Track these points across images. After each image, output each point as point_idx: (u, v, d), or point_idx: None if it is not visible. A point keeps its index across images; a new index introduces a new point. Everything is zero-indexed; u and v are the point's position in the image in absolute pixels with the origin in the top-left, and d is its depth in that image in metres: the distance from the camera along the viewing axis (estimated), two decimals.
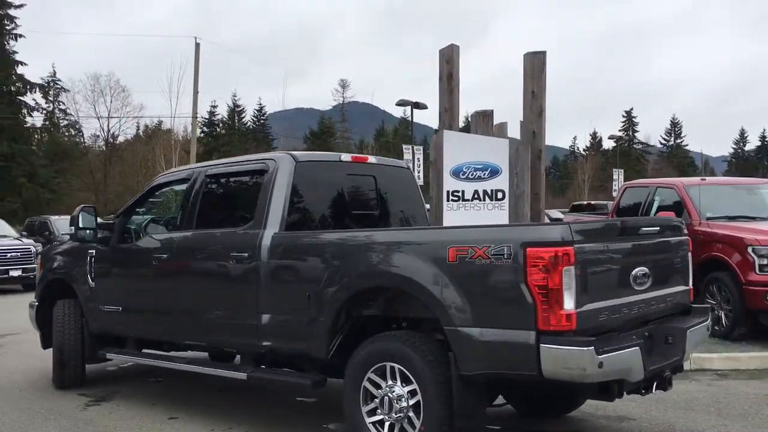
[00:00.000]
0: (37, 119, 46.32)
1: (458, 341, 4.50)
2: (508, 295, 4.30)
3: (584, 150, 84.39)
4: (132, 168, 47.97)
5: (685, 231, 5.55)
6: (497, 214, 9.63)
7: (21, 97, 41.38)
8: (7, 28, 41.89)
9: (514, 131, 9.73)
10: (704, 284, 9.10)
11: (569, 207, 25.93)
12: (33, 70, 78.98)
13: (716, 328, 8.89)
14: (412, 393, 4.71)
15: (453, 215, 9.88)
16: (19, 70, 41.26)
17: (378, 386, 4.85)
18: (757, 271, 8.40)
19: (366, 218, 6.28)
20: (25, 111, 41.41)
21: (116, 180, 49.12)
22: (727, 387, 7.08)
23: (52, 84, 56.23)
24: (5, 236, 18.48)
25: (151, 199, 6.87)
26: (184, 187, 6.41)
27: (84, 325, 6.96)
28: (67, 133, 55.75)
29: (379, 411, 4.84)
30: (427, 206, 14.76)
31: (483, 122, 10.13)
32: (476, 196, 9.78)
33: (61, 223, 21.74)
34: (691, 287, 5.54)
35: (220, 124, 62.33)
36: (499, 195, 9.61)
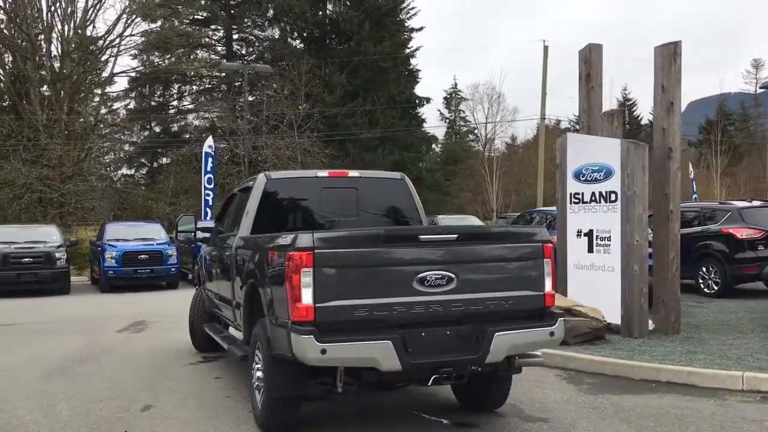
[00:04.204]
0: (433, 129, 51.99)
1: (269, 327, 5.58)
2: (282, 291, 5.23)
3: None
4: (515, 168, 50.97)
5: (539, 238, 5.55)
6: (611, 217, 9.62)
7: (413, 111, 47.17)
8: (408, 50, 47.96)
9: None
10: None
11: None
12: (437, 83, 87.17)
13: None
14: None
15: (575, 218, 10.10)
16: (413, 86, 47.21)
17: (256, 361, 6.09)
18: None
19: (342, 226, 7.33)
20: (414, 122, 47.00)
21: (503, 181, 52.48)
22: (735, 408, 6.32)
23: (453, 95, 62.66)
24: None
25: (228, 208, 8.83)
26: (235, 198, 8.30)
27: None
28: (466, 138, 61.46)
29: (254, 379, 6.10)
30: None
31: (608, 122, 10.05)
32: (593, 198, 9.89)
33: (445, 222, 23.90)
34: (548, 292, 5.53)
35: None
36: (612, 197, 9.61)
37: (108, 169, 42.13)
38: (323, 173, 7.52)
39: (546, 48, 34.82)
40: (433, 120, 57.83)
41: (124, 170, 46.22)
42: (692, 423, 5.95)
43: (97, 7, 34.71)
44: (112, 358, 9.26)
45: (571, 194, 10.02)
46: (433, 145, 52.80)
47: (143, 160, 46.32)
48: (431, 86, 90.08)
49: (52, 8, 34.07)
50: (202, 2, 43.40)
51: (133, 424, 6.15)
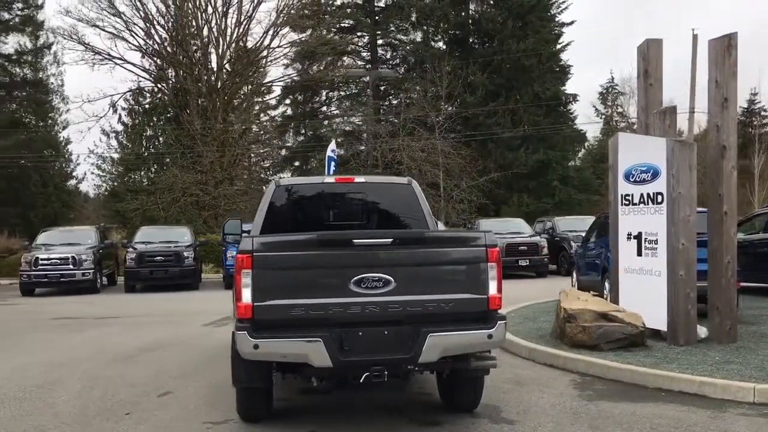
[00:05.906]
0: (586, 125, 50.32)
1: (233, 323, 6.06)
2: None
3: None
4: None
5: (482, 242, 5.57)
6: (658, 219, 9.35)
7: (562, 108, 46.03)
8: (559, 45, 46.79)
9: None
10: None
11: None
12: (595, 78, 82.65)
13: None
14: None
15: (625, 220, 9.90)
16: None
17: None
18: None
19: (349, 228, 7.63)
20: (561, 120, 45.83)
21: None
22: (725, 421, 5.97)
23: (609, 90, 60.27)
24: (520, 233, 23.26)
25: None
26: None
27: None
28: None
29: None
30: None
31: (660, 121, 9.72)
32: (642, 199, 9.67)
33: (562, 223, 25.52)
34: (492, 295, 5.54)
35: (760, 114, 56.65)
36: (659, 198, 9.34)
37: (267, 173, 44.95)
38: (330, 179, 7.90)
39: (695, 37, 32.51)
40: (585, 117, 56.04)
41: (280, 174, 49.07)
42: (650, 427, 5.76)
43: (248, 22, 37.22)
44: (179, 348, 10.19)
45: (621, 196, 9.70)
46: (586, 143, 51.17)
47: (296, 164, 48.77)
48: (587, 81, 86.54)
49: (207, 25, 36.95)
50: (348, 11, 45.00)
51: (140, 407, 6.88)
